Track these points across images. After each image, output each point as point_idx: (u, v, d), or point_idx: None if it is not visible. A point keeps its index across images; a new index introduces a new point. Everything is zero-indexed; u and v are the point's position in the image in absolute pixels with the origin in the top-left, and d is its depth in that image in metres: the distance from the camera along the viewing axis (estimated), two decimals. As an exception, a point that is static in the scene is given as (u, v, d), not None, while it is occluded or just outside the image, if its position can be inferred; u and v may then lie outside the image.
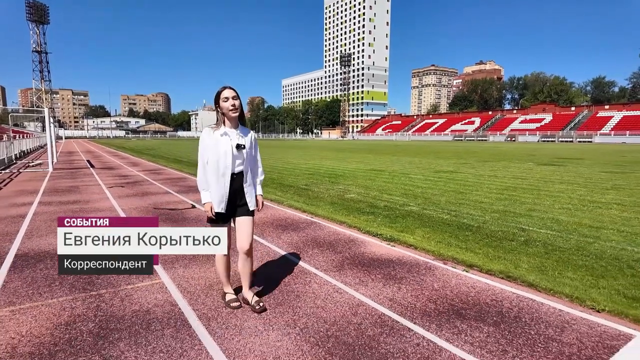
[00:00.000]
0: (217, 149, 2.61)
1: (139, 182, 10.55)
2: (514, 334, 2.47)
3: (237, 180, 2.68)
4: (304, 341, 2.38)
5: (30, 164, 16.24)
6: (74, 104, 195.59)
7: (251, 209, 2.77)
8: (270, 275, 3.51)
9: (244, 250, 2.73)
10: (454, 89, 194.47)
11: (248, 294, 2.81)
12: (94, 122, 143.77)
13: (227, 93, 2.61)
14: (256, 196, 2.84)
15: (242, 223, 2.73)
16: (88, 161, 18.30)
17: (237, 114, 2.64)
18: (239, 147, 2.65)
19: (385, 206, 6.80)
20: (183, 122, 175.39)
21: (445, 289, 3.21)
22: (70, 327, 2.49)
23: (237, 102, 2.63)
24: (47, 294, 3.02)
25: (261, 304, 2.73)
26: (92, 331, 2.45)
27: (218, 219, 2.67)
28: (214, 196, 2.65)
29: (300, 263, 3.86)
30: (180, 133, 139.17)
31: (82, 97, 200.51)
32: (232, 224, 2.85)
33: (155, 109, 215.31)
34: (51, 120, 15.29)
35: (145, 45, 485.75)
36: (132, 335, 2.41)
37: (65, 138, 72.10)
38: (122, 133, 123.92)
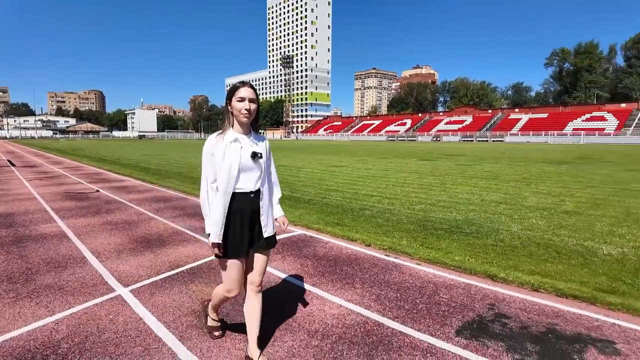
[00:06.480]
0: (226, 160, 2.11)
1: (57, 176, 12.13)
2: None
3: (253, 200, 2.20)
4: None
5: (-54, 164, 16.62)
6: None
7: (267, 235, 2.26)
8: (157, 230, 5.81)
9: (255, 285, 2.30)
10: (393, 91, 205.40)
11: (255, 352, 2.27)
12: (15, 121, 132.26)
13: (244, 92, 2.13)
14: (275, 219, 2.39)
15: (259, 255, 2.28)
16: (9, 160, 18.87)
17: (248, 120, 2.17)
18: (255, 155, 2.17)
19: (253, 188, 9.27)
20: (119, 121, 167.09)
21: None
22: None
23: (252, 107, 2.15)
24: None
25: None
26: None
27: (230, 254, 2.17)
28: (220, 223, 2.12)
29: (174, 225, 6.20)
30: (116, 133, 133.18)
31: (0, 93, 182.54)
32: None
33: (87, 108, 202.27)
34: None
35: (76, 41, 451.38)
36: (34, 242, 4.61)
37: (-19, 138, 66.71)
38: (49, 133, 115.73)
